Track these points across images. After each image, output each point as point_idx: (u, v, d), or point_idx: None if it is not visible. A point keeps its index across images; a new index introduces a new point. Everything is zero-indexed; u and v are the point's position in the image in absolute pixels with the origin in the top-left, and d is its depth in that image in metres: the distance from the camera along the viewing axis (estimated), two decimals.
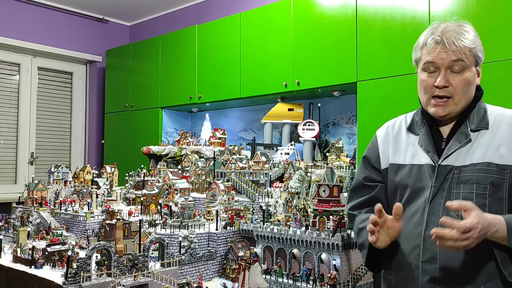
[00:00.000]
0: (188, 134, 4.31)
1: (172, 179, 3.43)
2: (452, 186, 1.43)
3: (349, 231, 2.30)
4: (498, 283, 1.39)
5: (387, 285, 1.61)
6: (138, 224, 2.51)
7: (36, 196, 3.51)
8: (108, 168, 4.07)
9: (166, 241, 2.45)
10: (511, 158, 1.40)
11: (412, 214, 1.49)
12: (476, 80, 1.51)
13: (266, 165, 3.32)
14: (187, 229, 2.67)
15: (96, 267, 2.20)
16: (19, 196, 3.76)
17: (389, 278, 1.59)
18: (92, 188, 3.56)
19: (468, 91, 1.47)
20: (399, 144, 1.60)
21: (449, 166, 1.45)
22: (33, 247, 2.61)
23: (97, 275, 2.16)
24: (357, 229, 1.62)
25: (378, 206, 1.40)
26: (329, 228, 2.30)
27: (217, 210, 2.81)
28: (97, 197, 3.47)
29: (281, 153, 3.66)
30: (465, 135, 1.47)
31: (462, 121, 1.50)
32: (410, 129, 1.60)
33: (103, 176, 4.02)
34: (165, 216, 2.89)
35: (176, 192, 3.18)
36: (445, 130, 1.53)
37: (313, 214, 2.42)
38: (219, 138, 4.15)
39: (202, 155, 3.98)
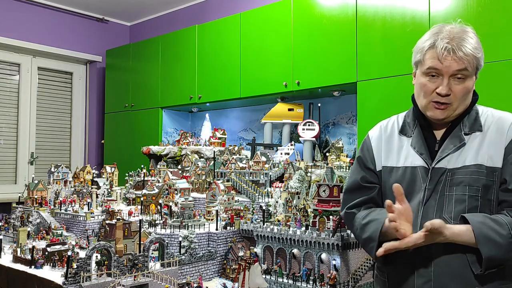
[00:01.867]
0: (188, 134, 4.31)
1: (172, 179, 3.43)
2: (445, 189, 1.44)
3: (348, 231, 2.30)
4: (490, 283, 1.39)
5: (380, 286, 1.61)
6: (138, 224, 2.51)
7: (36, 196, 3.51)
8: (108, 168, 4.07)
9: (166, 241, 2.45)
10: (499, 160, 1.42)
11: None
12: (474, 87, 1.51)
13: (266, 165, 3.32)
14: (187, 229, 2.67)
15: (96, 267, 2.20)
16: (19, 196, 3.76)
17: (383, 280, 1.59)
18: (92, 188, 3.55)
19: (467, 98, 1.48)
20: (391, 146, 1.60)
21: (443, 169, 1.46)
22: (33, 247, 2.61)
23: (97, 275, 2.16)
24: (360, 225, 1.57)
25: (388, 202, 1.40)
26: (329, 228, 2.30)
27: (217, 210, 2.80)
28: (97, 197, 3.47)
29: (281, 153, 3.66)
30: (459, 139, 1.47)
31: (456, 124, 1.51)
32: (402, 131, 1.60)
33: (103, 176, 4.02)
34: (165, 216, 2.88)
35: (176, 192, 3.18)
36: (438, 132, 1.54)
37: (313, 214, 2.42)
38: (219, 138, 4.14)
39: (202, 155, 3.98)
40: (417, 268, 1.45)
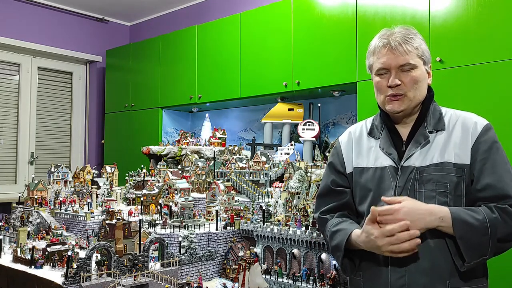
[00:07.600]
0: (188, 134, 4.31)
1: (172, 179, 3.43)
2: (415, 187, 1.50)
3: None
4: (462, 278, 1.44)
5: (355, 287, 1.64)
6: (138, 224, 2.51)
7: (36, 196, 3.51)
8: (108, 168, 4.07)
9: (166, 241, 2.45)
10: (466, 157, 1.47)
11: None
12: (427, 78, 1.59)
13: (266, 165, 3.32)
14: (187, 229, 2.67)
15: (96, 267, 2.20)
16: (19, 196, 3.76)
17: (357, 280, 1.62)
18: (92, 188, 3.55)
19: (420, 88, 1.55)
20: (361, 148, 1.67)
21: (411, 167, 1.52)
22: (33, 247, 2.61)
23: (97, 275, 2.16)
24: (330, 232, 1.63)
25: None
26: None
27: (217, 210, 2.80)
28: (97, 197, 3.47)
29: (281, 153, 3.66)
30: (424, 137, 1.54)
31: (419, 124, 1.58)
32: (371, 133, 1.68)
33: (103, 176, 4.02)
34: (165, 216, 2.88)
35: (176, 192, 3.18)
36: (404, 132, 1.61)
37: (313, 214, 2.42)
38: (219, 138, 4.14)
39: (202, 155, 3.98)
40: (391, 264, 1.48)
